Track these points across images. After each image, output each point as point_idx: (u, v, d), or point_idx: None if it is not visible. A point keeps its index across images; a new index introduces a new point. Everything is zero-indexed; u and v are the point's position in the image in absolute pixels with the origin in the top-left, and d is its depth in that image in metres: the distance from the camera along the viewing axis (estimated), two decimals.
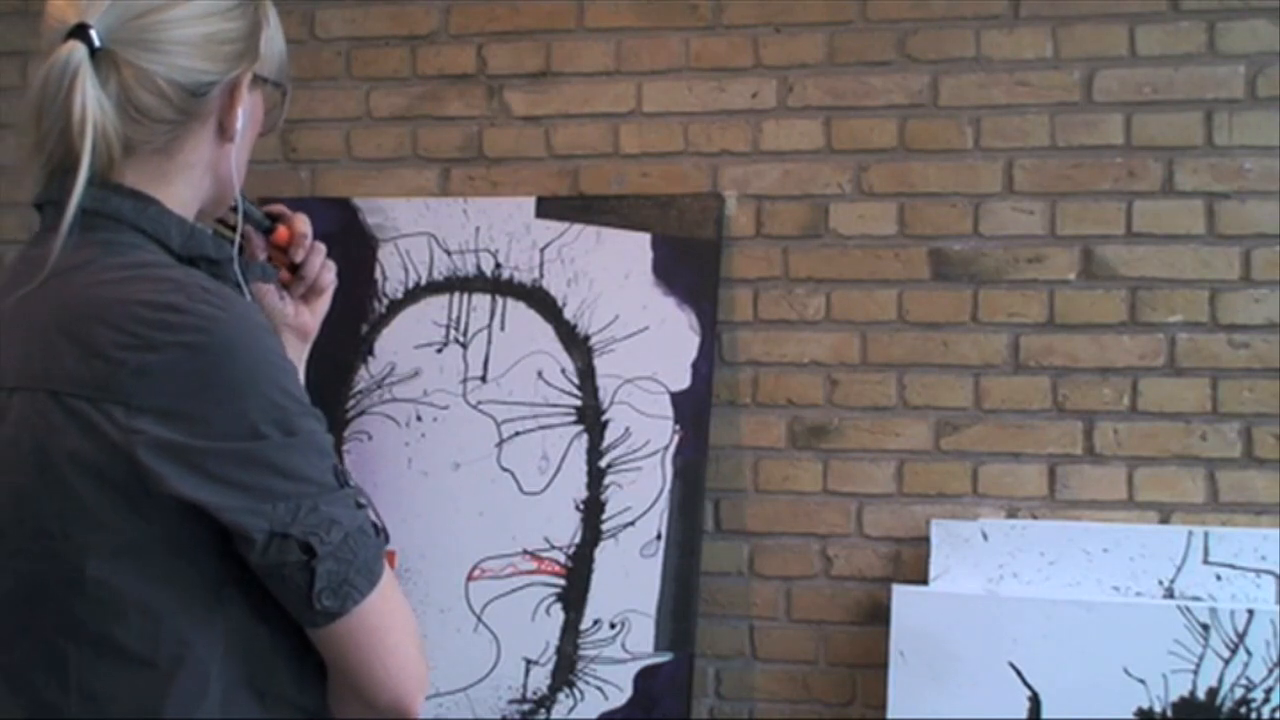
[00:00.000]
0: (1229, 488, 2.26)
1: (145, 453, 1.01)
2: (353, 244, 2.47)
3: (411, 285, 2.46)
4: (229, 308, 1.06)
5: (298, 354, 1.37)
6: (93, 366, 1.03)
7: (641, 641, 2.28)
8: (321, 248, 1.39)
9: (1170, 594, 2.18)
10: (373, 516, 1.11)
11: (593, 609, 2.31)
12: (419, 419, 2.42)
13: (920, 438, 2.36)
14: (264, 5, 1.20)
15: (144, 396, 1.02)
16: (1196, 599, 2.16)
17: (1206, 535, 2.19)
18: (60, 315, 1.06)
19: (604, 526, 2.33)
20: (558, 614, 2.32)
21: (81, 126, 1.06)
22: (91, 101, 1.06)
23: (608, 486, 2.34)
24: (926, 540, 2.29)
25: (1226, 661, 2.09)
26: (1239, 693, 2.09)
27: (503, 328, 2.42)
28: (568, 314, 2.40)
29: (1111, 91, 2.32)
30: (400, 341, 2.45)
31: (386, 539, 1.12)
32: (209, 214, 1.23)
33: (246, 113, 1.18)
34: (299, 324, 1.39)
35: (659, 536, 2.30)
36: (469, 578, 2.35)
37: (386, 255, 2.47)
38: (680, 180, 2.45)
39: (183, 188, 1.16)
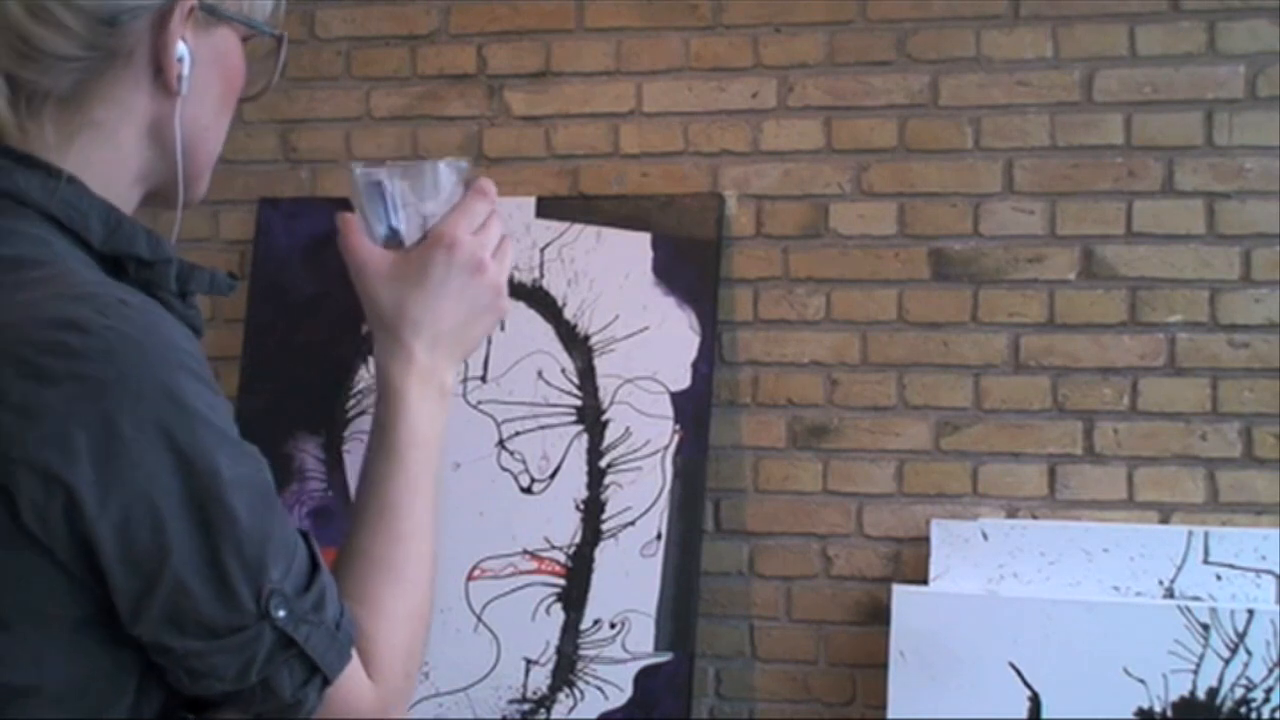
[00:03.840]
0: (1229, 488, 2.26)
1: (30, 522, 0.77)
2: None
3: None
4: (145, 326, 0.80)
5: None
6: None
7: (641, 641, 2.28)
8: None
9: (1170, 594, 2.18)
10: (299, 637, 0.83)
11: (593, 609, 2.31)
12: None
13: (920, 438, 2.36)
14: None
15: (23, 446, 0.76)
16: (1196, 599, 2.16)
17: (1206, 535, 2.19)
18: None
19: (604, 526, 2.33)
20: (558, 614, 2.32)
21: None
22: None
23: (608, 486, 2.34)
24: (926, 540, 2.28)
25: (1226, 661, 2.09)
26: (1239, 693, 2.08)
27: (503, 328, 2.41)
28: (568, 314, 2.40)
29: (1111, 91, 2.31)
30: None
31: (350, 634, 0.87)
32: (167, 197, 0.94)
33: (197, 56, 0.90)
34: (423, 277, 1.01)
35: (659, 536, 2.30)
36: (469, 578, 2.35)
37: None
38: (680, 180, 2.45)
39: (104, 156, 0.89)
